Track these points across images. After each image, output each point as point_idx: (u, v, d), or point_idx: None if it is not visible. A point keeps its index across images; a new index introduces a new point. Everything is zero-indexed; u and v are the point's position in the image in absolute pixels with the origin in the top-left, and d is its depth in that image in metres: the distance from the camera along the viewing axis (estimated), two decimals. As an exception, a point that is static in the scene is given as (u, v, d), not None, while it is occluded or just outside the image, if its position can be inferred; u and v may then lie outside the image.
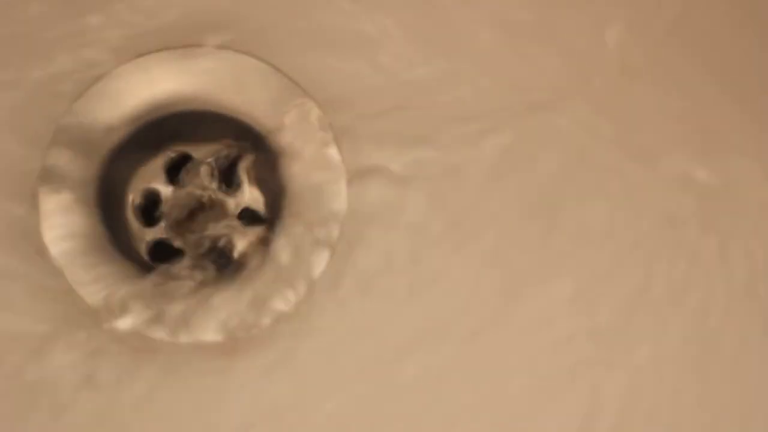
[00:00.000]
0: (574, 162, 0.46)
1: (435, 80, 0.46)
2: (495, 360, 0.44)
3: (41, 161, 0.45)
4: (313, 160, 0.45)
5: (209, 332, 0.44)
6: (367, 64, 0.46)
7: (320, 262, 0.44)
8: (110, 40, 0.45)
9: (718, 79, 0.46)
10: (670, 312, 0.45)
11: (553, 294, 0.45)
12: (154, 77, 0.45)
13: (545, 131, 0.46)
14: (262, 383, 0.44)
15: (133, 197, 0.46)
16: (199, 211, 0.46)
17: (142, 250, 0.46)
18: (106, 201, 0.45)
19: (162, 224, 0.46)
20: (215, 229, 0.46)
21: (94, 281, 0.44)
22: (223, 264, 0.45)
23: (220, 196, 0.46)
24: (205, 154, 0.46)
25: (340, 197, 0.45)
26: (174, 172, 0.47)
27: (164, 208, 0.46)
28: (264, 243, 0.45)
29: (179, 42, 0.45)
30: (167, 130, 0.46)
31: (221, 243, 0.46)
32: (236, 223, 0.46)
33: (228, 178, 0.47)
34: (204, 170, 0.46)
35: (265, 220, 0.46)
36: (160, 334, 0.44)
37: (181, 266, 0.45)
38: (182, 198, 0.46)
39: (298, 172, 0.45)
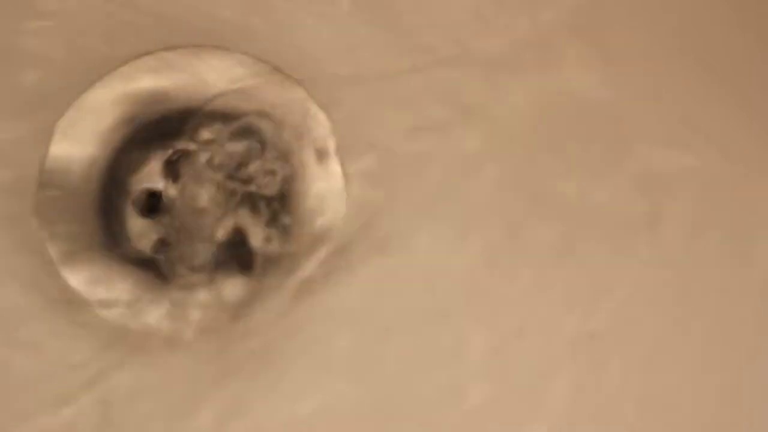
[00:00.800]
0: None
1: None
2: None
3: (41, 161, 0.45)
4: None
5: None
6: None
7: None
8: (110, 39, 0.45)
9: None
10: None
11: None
12: (154, 77, 0.45)
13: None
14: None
15: (135, 196, 0.46)
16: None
17: (145, 247, 0.46)
18: (106, 201, 0.45)
19: (163, 222, 0.46)
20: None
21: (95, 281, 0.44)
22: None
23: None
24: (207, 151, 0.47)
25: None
26: (175, 170, 0.47)
27: (165, 206, 0.46)
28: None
29: (180, 41, 0.46)
30: (167, 130, 0.46)
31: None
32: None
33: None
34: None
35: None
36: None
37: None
38: (184, 195, 0.46)
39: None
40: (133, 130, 0.46)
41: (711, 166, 0.46)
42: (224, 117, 0.46)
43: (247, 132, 0.46)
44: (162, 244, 0.46)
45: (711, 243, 0.45)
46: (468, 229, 0.45)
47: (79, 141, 0.45)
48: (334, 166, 0.46)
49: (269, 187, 0.46)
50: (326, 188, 0.46)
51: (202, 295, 0.45)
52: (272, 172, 0.45)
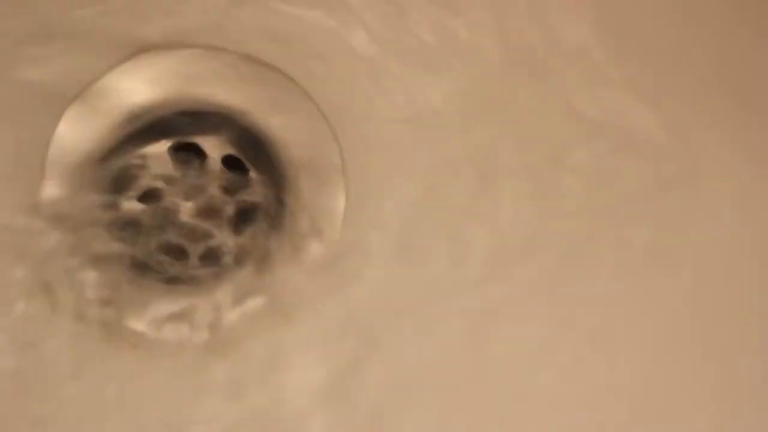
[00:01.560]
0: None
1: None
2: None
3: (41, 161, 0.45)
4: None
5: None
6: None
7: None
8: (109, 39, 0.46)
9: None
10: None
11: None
12: (153, 76, 0.46)
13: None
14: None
15: (136, 194, 0.47)
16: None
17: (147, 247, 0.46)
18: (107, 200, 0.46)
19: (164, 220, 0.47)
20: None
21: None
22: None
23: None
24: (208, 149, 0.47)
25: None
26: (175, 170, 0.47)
27: (166, 203, 0.47)
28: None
29: (179, 41, 0.46)
30: (168, 129, 0.46)
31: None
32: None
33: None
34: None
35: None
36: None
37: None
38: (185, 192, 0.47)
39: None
40: (134, 130, 0.46)
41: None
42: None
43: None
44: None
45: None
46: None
47: (79, 140, 0.45)
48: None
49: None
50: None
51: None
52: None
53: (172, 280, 0.45)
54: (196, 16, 0.46)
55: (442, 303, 0.45)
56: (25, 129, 0.45)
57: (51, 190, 0.45)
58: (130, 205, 0.46)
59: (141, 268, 0.45)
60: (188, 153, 0.47)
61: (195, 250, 0.46)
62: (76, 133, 0.45)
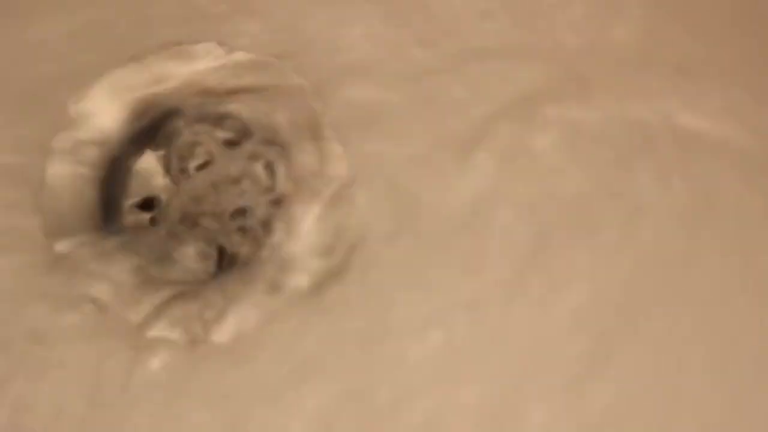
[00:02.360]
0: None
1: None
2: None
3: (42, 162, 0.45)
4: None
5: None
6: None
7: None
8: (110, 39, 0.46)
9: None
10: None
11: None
12: (154, 76, 0.46)
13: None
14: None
15: (134, 194, 0.47)
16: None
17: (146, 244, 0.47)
18: (107, 200, 0.46)
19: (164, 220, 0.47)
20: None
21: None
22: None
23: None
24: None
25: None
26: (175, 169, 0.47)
27: (166, 203, 0.47)
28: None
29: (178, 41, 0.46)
30: (167, 129, 0.47)
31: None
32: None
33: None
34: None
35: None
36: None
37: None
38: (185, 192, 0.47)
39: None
40: (133, 130, 0.46)
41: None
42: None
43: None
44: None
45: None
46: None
47: (79, 140, 0.46)
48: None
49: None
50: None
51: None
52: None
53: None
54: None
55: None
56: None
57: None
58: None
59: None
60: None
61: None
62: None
